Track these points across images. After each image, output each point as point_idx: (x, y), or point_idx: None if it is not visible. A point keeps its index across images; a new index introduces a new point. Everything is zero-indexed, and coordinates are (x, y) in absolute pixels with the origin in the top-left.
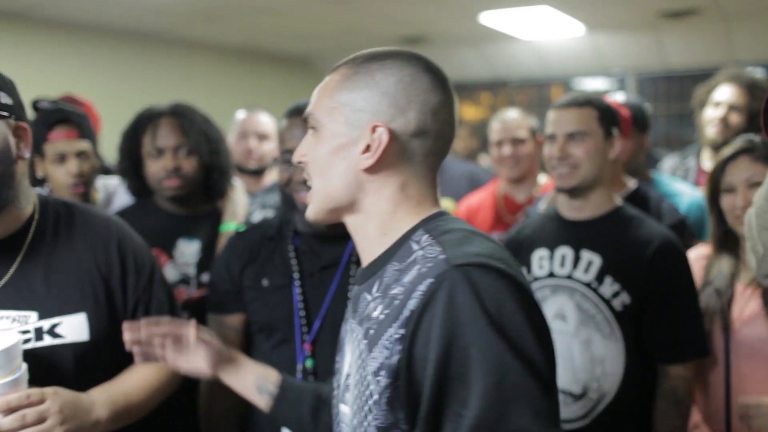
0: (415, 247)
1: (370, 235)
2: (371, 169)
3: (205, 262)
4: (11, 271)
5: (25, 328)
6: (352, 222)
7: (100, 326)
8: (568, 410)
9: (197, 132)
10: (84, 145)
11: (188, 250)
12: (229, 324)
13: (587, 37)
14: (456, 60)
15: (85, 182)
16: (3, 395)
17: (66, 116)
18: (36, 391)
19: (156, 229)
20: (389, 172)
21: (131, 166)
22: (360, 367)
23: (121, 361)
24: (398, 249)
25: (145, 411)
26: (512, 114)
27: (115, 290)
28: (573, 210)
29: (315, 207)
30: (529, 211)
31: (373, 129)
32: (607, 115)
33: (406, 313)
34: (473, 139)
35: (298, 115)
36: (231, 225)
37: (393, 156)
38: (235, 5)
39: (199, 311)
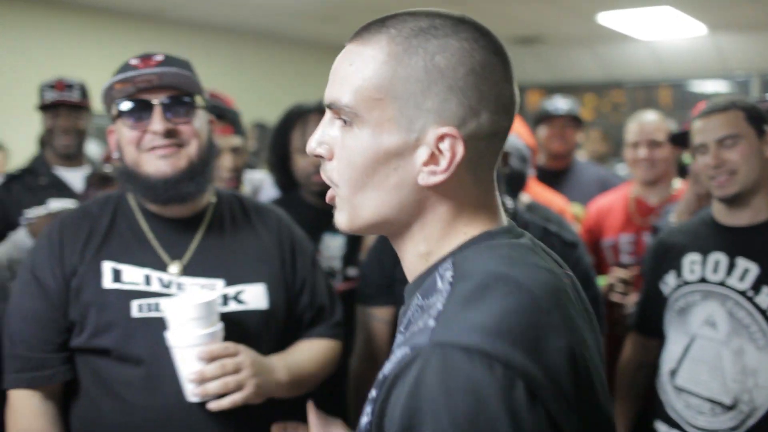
0: (438, 283)
1: (412, 261)
2: (436, 186)
3: (349, 256)
4: (195, 244)
5: (216, 294)
6: (395, 243)
7: (276, 297)
8: (716, 421)
9: None
10: (237, 140)
11: (333, 243)
12: (378, 316)
13: (708, 38)
14: (568, 60)
15: (238, 177)
16: (204, 345)
17: (222, 113)
18: (232, 344)
19: (302, 222)
20: (454, 183)
21: (279, 161)
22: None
23: (290, 333)
24: (426, 279)
25: (315, 383)
26: (650, 116)
27: (287, 269)
28: (730, 216)
29: (349, 220)
30: (659, 221)
31: (442, 137)
32: (754, 114)
33: (382, 373)
34: (605, 143)
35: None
36: None
37: (462, 166)
38: (352, 6)
39: (344, 304)
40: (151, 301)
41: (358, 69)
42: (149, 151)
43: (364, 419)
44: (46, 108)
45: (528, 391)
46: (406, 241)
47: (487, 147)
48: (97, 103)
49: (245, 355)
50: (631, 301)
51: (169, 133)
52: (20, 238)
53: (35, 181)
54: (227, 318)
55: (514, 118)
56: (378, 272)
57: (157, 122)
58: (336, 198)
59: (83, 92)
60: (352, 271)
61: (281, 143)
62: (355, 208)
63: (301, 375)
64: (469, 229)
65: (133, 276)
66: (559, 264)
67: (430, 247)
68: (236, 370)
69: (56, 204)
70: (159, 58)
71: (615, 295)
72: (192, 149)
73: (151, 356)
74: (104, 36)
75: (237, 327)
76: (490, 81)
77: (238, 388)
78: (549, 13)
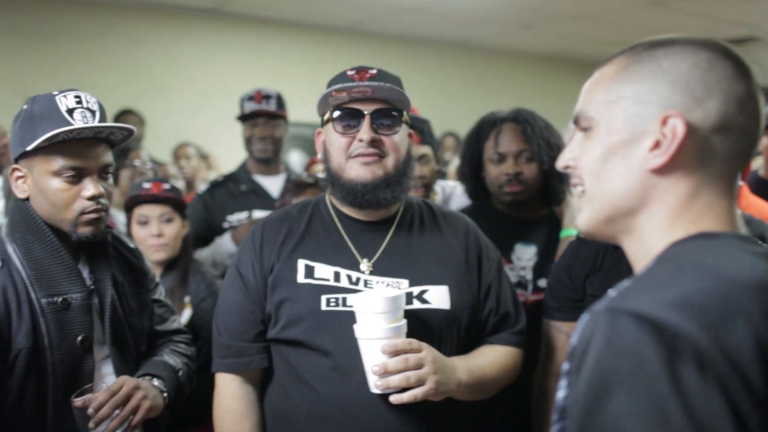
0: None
1: (638, 257)
2: (661, 170)
3: (541, 266)
4: (384, 245)
5: (402, 291)
6: (624, 242)
7: (459, 299)
8: None
9: (539, 138)
10: (425, 149)
11: (525, 254)
12: (564, 330)
13: None
14: None
15: (425, 185)
16: (389, 338)
17: (412, 122)
18: (415, 340)
19: (493, 232)
20: (681, 174)
21: (471, 169)
22: None
23: (473, 337)
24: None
25: (496, 388)
26: None
27: (472, 273)
28: None
29: (588, 216)
30: None
31: (664, 120)
32: None
33: (570, 344)
34: None
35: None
36: (571, 231)
37: (688, 155)
38: (547, 13)
39: (534, 316)
40: (339, 296)
41: (597, 82)
42: (354, 158)
43: (561, 393)
44: (245, 118)
45: (697, 363)
46: (635, 241)
47: (723, 142)
48: (294, 113)
49: (428, 351)
50: None
51: (374, 143)
52: (224, 242)
53: (237, 187)
54: (411, 315)
55: (759, 123)
56: (567, 285)
57: (365, 131)
58: (580, 199)
59: (280, 102)
60: (543, 282)
61: (474, 152)
62: (591, 201)
63: (483, 378)
64: (693, 227)
65: (324, 272)
66: None
67: (654, 242)
68: (418, 366)
69: (259, 213)
70: (373, 71)
71: None
72: (391, 161)
73: (338, 348)
74: (305, 50)
75: (420, 325)
76: (717, 75)
77: (419, 383)
78: (761, 12)
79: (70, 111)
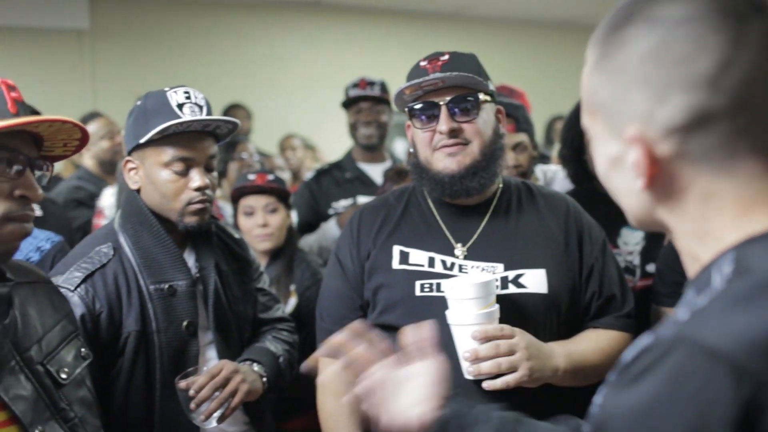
0: (715, 279)
1: (686, 256)
2: (652, 190)
3: (649, 251)
4: (479, 229)
5: (493, 276)
6: (673, 239)
7: (557, 283)
8: None
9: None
10: (521, 137)
11: (632, 239)
12: None
13: None
14: None
15: (522, 173)
16: (480, 324)
17: (506, 110)
18: (507, 326)
19: (598, 216)
20: (678, 185)
21: (573, 153)
22: None
23: (575, 321)
24: (702, 275)
25: (599, 375)
26: None
27: (572, 255)
28: None
29: (630, 217)
30: None
31: (632, 140)
32: None
33: (623, 358)
34: None
35: None
36: None
37: (671, 166)
38: None
39: (642, 302)
40: (433, 281)
41: (582, 86)
42: (439, 150)
43: (598, 399)
44: (349, 104)
45: None
46: (677, 238)
47: (708, 136)
48: None
49: (520, 337)
50: None
51: (454, 132)
52: (330, 227)
53: (342, 175)
54: (506, 300)
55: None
56: (677, 270)
57: (444, 123)
58: None
59: (384, 88)
60: (651, 267)
61: (575, 135)
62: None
63: (584, 364)
64: (746, 221)
65: (419, 258)
66: None
67: (694, 246)
68: (510, 352)
69: (363, 200)
70: (445, 58)
71: None
72: (475, 147)
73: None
74: (407, 38)
75: (515, 310)
76: (670, 59)
77: (512, 369)
78: None
79: (180, 106)
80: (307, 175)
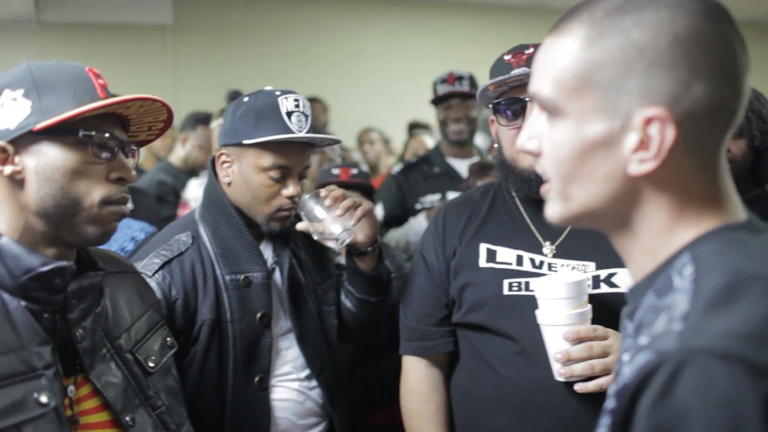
0: (676, 281)
1: (636, 258)
2: (647, 177)
3: None
4: (569, 227)
5: (585, 276)
6: (614, 239)
7: None
8: None
9: (748, 110)
10: None
11: None
12: None
13: None
14: None
15: None
16: (572, 325)
17: None
18: (600, 327)
19: None
20: (672, 171)
21: None
22: None
23: None
24: (658, 276)
25: None
26: None
27: None
28: None
29: (559, 213)
30: None
31: (648, 120)
32: None
33: (621, 381)
34: None
35: None
36: None
37: (678, 151)
38: None
39: None
40: (522, 280)
41: (554, 60)
42: None
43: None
44: (439, 101)
45: None
46: (627, 236)
47: (712, 125)
48: None
49: (614, 339)
50: None
51: None
52: (418, 222)
53: (430, 169)
54: (598, 300)
55: (745, 89)
56: None
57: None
58: (549, 191)
59: (473, 82)
60: None
61: None
62: (566, 200)
63: None
64: (701, 222)
65: (506, 256)
66: None
67: (656, 241)
68: (603, 354)
69: (452, 195)
70: (529, 51)
71: None
72: None
73: (521, 333)
74: (486, 31)
75: (607, 310)
76: (703, 47)
77: (605, 372)
78: None
79: (289, 114)
80: (395, 168)
